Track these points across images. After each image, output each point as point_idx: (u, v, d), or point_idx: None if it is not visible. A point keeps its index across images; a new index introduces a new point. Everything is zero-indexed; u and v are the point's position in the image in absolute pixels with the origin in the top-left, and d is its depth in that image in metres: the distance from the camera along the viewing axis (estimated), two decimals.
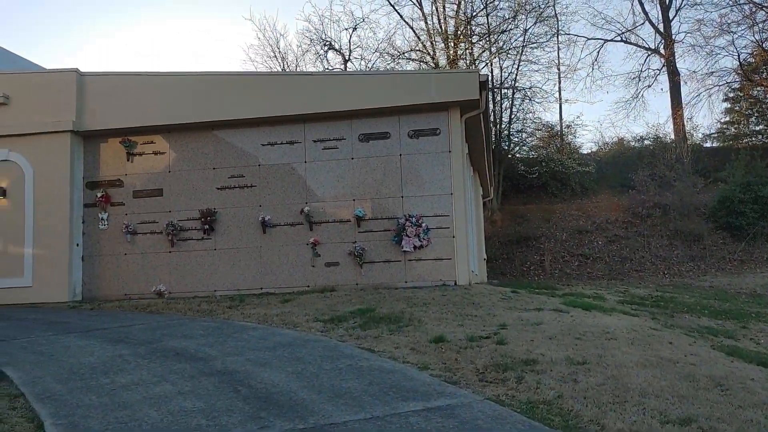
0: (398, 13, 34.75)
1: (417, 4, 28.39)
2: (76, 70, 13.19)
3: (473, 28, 27.75)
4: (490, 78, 20.80)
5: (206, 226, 12.75)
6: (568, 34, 32.47)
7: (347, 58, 29.51)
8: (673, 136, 30.35)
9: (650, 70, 36.91)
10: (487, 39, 27.71)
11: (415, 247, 12.00)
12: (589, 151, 32.31)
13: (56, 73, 13.60)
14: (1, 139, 13.17)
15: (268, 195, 12.74)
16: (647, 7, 33.23)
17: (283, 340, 7.49)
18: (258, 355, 6.68)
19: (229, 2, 60.62)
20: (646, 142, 30.95)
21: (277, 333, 7.98)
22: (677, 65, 31.82)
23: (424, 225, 12.02)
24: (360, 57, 31.68)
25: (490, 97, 23.68)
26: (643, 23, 32.06)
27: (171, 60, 62.72)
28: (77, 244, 13.10)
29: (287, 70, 29.80)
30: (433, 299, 10.02)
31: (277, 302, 10.64)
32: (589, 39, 33.44)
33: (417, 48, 28.77)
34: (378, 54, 29.64)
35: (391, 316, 8.73)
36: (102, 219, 13.25)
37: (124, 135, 13.29)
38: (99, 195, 13.24)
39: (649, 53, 33.02)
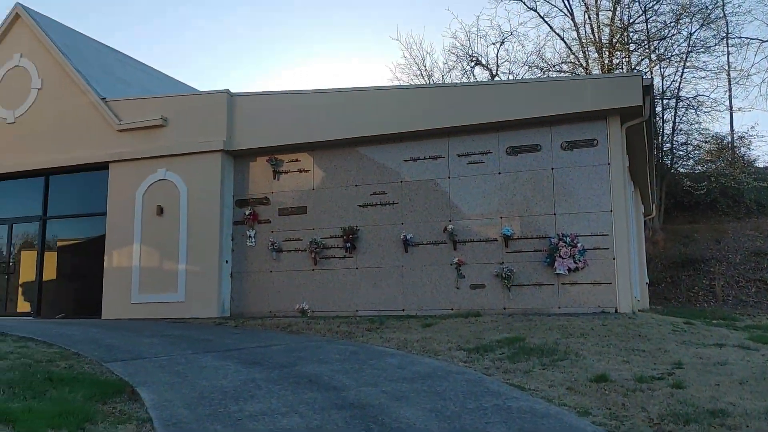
0: (548, 24, 33.56)
1: (568, 14, 27.04)
2: (227, 91, 13.52)
3: (630, 35, 25.95)
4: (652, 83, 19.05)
5: (348, 244, 12.47)
6: (740, 37, 29.32)
7: (494, 73, 28.68)
8: None
9: None
10: (646, 46, 25.79)
11: (569, 270, 10.94)
12: (767, 164, 29.02)
13: (208, 94, 14.08)
14: (160, 159, 13.78)
15: (410, 212, 12.25)
16: None
17: (422, 370, 6.85)
18: (394, 387, 6.09)
19: (376, 23, 61.91)
20: None
21: (416, 361, 7.36)
22: None
23: (579, 245, 10.94)
24: (508, 71, 30.68)
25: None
26: None
27: (316, 80, 64.93)
28: (226, 261, 13.33)
29: (430, 83, 29.51)
30: (592, 329, 8.95)
31: (418, 326, 10.04)
32: (764, 41, 30.24)
33: (568, 60, 27.41)
34: (527, 67, 28.44)
35: (543, 347, 7.82)
36: (250, 236, 13.42)
37: (271, 153, 13.41)
38: (247, 213, 13.44)
39: None
